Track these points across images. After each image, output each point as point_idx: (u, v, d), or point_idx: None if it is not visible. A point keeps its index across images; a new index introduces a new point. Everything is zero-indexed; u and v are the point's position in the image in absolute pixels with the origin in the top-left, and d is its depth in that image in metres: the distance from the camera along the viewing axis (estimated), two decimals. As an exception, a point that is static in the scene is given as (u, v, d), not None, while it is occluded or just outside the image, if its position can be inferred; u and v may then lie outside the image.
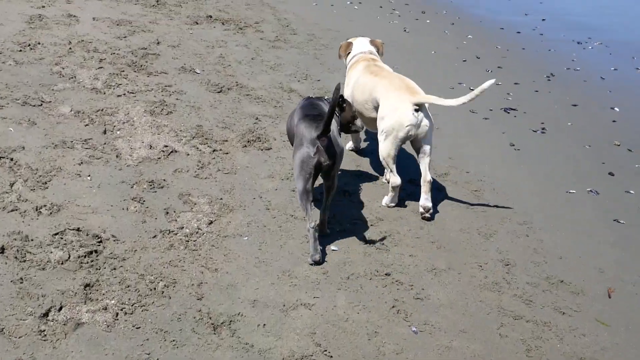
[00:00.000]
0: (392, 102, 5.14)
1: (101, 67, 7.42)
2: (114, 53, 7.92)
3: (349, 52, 6.09)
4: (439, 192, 5.82)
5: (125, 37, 8.70)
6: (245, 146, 6.20)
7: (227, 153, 6.01)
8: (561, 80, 9.40)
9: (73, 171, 5.24)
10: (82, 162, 5.41)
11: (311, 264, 4.53)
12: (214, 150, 6.01)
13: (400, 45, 10.35)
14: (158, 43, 8.67)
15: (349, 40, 6.24)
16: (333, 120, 4.47)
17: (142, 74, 7.47)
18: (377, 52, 6.05)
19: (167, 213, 4.93)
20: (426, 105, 5.15)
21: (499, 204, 5.72)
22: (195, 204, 5.11)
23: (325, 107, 4.77)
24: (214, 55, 8.55)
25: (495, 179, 6.19)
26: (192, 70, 7.89)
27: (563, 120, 7.83)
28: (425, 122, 5.12)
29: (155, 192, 5.17)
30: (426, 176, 5.23)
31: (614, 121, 7.94)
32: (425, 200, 5.24)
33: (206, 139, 6.19)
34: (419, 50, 10.15)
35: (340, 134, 4.86)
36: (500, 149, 6.87)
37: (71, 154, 5.49)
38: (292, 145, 4.72)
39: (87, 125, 6.08)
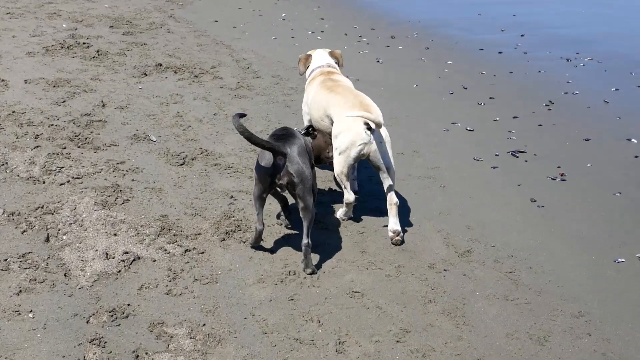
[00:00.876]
0: (345, 121, 5.15)
1: (38, 146, 6.30)
2: (53, 125, 6.80)
3: (308, 66, 6.11)
4: (467, 280, 4.83)
5: (64, 101, 7.56)
6: (224, 239, 5.15)
7: (202, 253, 4.96)
8: (562, 108, 8.56)
9: (10, 307, 4.10)
10: (20, 291, 4.27)
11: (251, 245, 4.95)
12: (186, 251, 4.94)
13: (376, 80, 9.42)
14: (103, 105, 7.55)
15: (308, 53, 6.20)
16: (299, 140, 4.76)
17: (87, 149, 6.37)
18: (337, 63, 6.10)
19: (138, 357, 3.79)
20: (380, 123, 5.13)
21: (542, 290, 4.76)
22: (171, 337, 4.03)
23: (297, 132, 4.96)
24: (170, 115, 7.46)
25: (528, 252, 5.27)
26: (146, 137, 6.81)
27: (580, 161, 6.95)
28: (377, 140, 5.15)
29: (119, 325, 4.09)
30: (392, 199, 5.26)
31: (636, 157, 7.03)
32: (393, 224, 5.25)
33: (175, 235, 5.12)
34: (399, 85, 9.23)
35: (311, 162, 4.91)
36: (522, 208, 5.98)
37: (6, 280, 4.34)
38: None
39: (24, 232, 4.94)
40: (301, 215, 4.74)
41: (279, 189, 4.81)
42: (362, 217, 5.74)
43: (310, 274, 4.76)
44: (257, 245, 4.98)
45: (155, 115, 7.48)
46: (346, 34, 12.00)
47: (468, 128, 7.74)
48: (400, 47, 11.34)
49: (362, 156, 5.19)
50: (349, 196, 5.40)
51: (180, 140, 6.87)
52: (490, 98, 8.85)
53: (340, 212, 5.61)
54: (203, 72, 9.23)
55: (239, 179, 6.13)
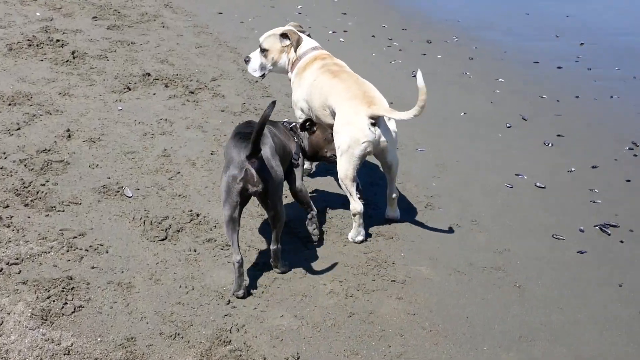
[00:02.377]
0: (346, 114, 4.79)
1: (-33, 207, 4.65)
2: (-4, 168, 5.17)
3: (299, 45, 5.49)
4: None
5: (18, 128, 5.97)
6: (215, 389, 3.50)
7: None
8: (651, 152, 6.87)
9: None
10: None
11: (234, 295, 4.27)
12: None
13: (414, 103, 7.68)
14: (69, 136, 5.96)
15: (298, 34, 5.55)
16: (269, 139, 4.28)
17: (37, 209, 4.87)
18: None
19: None
20: (385, 117, 4.77)
21: None
22: None
23: (271, 129, 4.50)
24: (155, 153, 5.86)
25: None
26: (119, 191, 5.14)
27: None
28: (384, 137, 4.81)
29: None
30: (392, 192, 5.18)
31: None
32: (391, 211, 5.27)
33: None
34: (442, 112, 7.66)
35: (280, 156, 4.41)
36: (631, 326, 4.37)
37: None
38: None
39: None
40: (271, 223, 4.38)
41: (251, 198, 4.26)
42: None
43: (284, 272, 4.55)
44: (242, 293, 4.29)
45: (135, 154, 5.85)
46: (374, 36, 10.32)
47: (538, 184, 6.08)
48: (439, 56, 9.64)
49: (368, 154, 4.84)
50: (356, 205, 4.88)
51: (165, 197, 5.24)
52: (558, 135, 7.20)
53: (352, 232, 5.01)
54: (201, 86, 7.60)
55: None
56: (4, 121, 6.18)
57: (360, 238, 5.02)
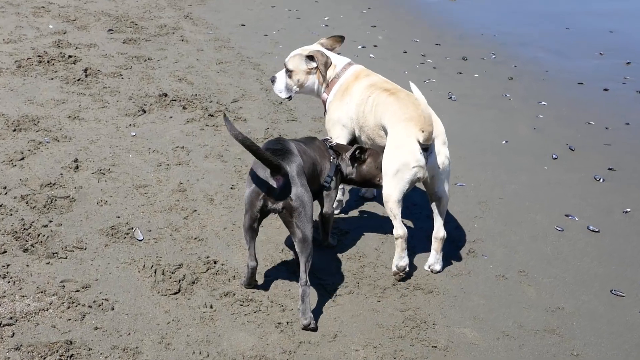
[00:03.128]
0: (398, 136, 4.55)
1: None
2: (-5, 205, 4.76)
3: (328, 66, 5.21)
4: None
5: (22, 158, 5.55)
6: None
7: None
8: None
9: None
10: None
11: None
12: None
13: (451, 129, 7.20)
14: (77, 167, 5.51)
15: (324, 54, 5.23)
16: (297, 157, 4.14)
17: (37, 256, 4.50)
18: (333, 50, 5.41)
19: None
20: (441, 139, 4.57)
21: None
22: None
23: (292, 144, 4.32)
24: (169, 187, 5.42)
25: None
26: (129, 233, 4.66)
27: None
28: (437, 162, 4.55)
29: None
30: (439, 231, 4.80)
31: None
32: (434, 260, 4.87)
33: None
34: (481, 139, 7.25)
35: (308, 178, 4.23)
36: None
37: None
38: None
39: None
40: (297, 249, 4.11)
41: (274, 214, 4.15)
42: None
43: (307, 326, 4.07)
44: (251, 285, 4.42)
45: (147, 188, 5.38)
46: (405, 51, 9.79)
47: (590, 227, 5.54)
48: (475, 75, 9.10)
49: (418, 180, 4.60)
50: (400, 229, 4.63)
51: (179, 240, 4.78)
52: (610, 169, 6.64)
53: (395, 258, 4.72)
54: (221, 108, 7.13)
55: (266, 329, 4.01)
56: (7, 150, 5.75)
57: (403, 263, 4.72)
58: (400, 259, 4.73)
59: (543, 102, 8.38)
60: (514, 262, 5.12)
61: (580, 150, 7.14)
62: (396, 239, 4.71)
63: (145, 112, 6.91)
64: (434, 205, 4.80)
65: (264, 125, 6.96)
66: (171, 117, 6.86)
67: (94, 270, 4.44)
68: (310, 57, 5.25)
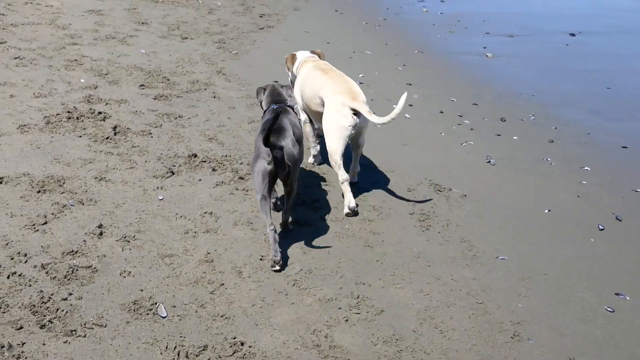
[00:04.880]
0: (335, 104, 6.19)
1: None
2: (14, 274, 4.70)
3: (294, 61, 7.25)
4: None
5: (44, 222, 5.37)
6: None
7: None
8: None
9: None
10: None
11: (272, 267, 5.32)
12: None
13: (489, 196, 7.25)
14: (100, 234, 5.30)
15: (293, 53, 7.36)
16: (289, 131, 5.43)
17: (55, 333, 4.44)
18: (319, 58, 7.16)
19: None
20: (365, 106, 6.13)
21: None
22: None
23: (286, 119, 5.60)
24: (196, 258, 5.28)
25: None
26: (153, 310, 4.42)
27: None
28: (361, 124, 6.30)
29: None
30: (355, 167, 6.80)
31: None
32: (350, 199, 6.30)
33: None
34: (522, 207, 7.11)
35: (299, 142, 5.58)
36: None
37: None
38: None
39: None
40: (287, 197, 5.68)
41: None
42: None
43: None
44: (279, 257, 5.34)
45: (173, 257, 5.14)
46: (442, 111, 9.52)
47: (645, 312, 5.13)
48: (515, 138, 8.82)
49: (351, 136, 6.22)
50: (343, 175, 6.24)
51: (204, 318, 4.54)
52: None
53: (345, 204, 6.30)
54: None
55: None
56: (30, 213, 5.56)
57: (352, 205, 6.32)
58: (350, 201, 6.30)
59: (586, 167, 8.06)
60: (563, 348, 4.79)
61: (628, 221, 6.79)
62: (342, 183, 6.30)
63: (173, 173, 6.71)
64: (353, 150, 6.66)
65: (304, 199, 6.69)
66: (200, 180, 6.65)
67: (113, 352, 4.20)
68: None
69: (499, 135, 8.99)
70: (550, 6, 18.37)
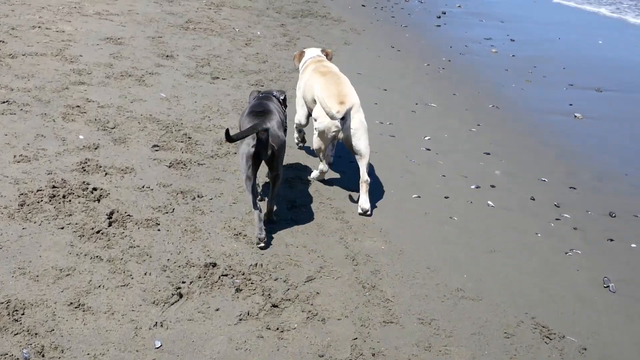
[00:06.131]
0: (323, 107, 6.46)
1: None
2: None
3: (301, 59, 7.65)
4: None
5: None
6: None
7: None
8: None
9: None
10: None
11: (257, 244, 5.80)
12: None
13: (614, 345, 4.98)
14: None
15: (302, 50, 7.84)
16: (275, 115, 5.91)
17: None
18: (327, 57, 7.61)
19: None
20: (354, 108, 6.61)
21: None
22: None
23: (273, 104, 6.15)
24: None
25: None
26: None
27: None
28: (352, 126, 6.59)
29: None
30: (363, 176, 6.73)
31: None
32: (363, 201, 6.73)
33: None
34: None
35: (284, 127, 6.04)
36: None
37: None
38: None
39: None
40: (272, 180, 6.08)
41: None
42: None
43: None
44: (265, 238, 5.81)
45: None
46: (533, 198, 7.51)
47: None
48: (633, 246, 6.72)
49: (337, 138, 6.71)
50: (324, 167, 7.14)
51: None
52: None
53: (313, 174, 7.34)
54: (290, 296, 5.33)
55: None
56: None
57: (314, 179, 7.37)
58: (317, 178, 7.33)
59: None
60: None
61: None
62: (321, 172, 7.25)
63: (181, 296, 4.89)
64: (356, 157, 6.79)
65: (351, 330, 4.76)
66: (217, 310, 4.84)
67: None
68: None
69: (611, 240, 7.01)
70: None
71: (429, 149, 8.86)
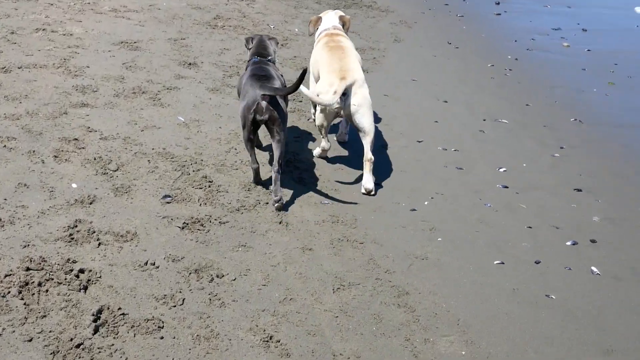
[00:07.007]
0: (324, 83, 6.58)
1: None
2: None
3: (317, 27, 7.52)
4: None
5: None
6: None
7: None
8: None
9: None
10: None
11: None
12: None
13: None
14: None
15: (319, 15, 7.63)
16: (276, 82, 6.16)
17: None
18: (344, 27, 7.48)
19: None
20: (357, 84, 6.58)
21: None
22: None
23: (272, 70, 6.39)
24: None
25: None
26: None
27: None
28: (353, 102, 6.56)
29: None
30: (367, 154, 6.58)
31: None
32: (366, 181, 6.60)
33: None
34: None
35: (285, 102, 6.15)
36: None
37: None
38: None
39: None
40: (275, 147, 6.03)
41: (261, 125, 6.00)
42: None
43: (278, 201, 5.99)
44: (258, 181, 6.40)
45: None
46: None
47: None
48: None
49: (339, 115, 6.71)
50: (325, 145, 7.04)
51: None
52: None
53: (316, 151, 7.22)
54: None
55: None
56: None
57: (316, 156, 7.27)
58: (319, 156, 7.23)
59: None
60: None
61: None
62: (323, 150, 7.16)
63: None
64: (360, 135, 6.73)
65: None
66: None
67: None
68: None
69: None
70: None
71: (506, 187, 7.17)
